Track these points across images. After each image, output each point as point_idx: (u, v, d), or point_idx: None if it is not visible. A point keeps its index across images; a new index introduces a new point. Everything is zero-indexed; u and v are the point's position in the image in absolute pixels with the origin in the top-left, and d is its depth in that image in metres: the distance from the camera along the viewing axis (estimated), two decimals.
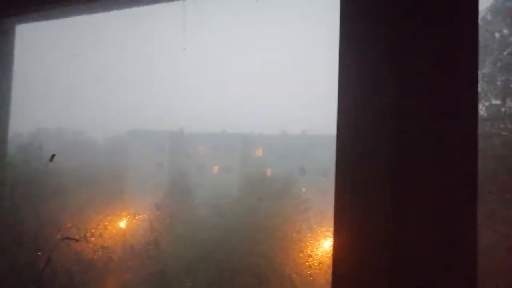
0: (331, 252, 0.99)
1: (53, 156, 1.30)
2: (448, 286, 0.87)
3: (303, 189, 2.27)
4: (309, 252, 1.23)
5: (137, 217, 1.66)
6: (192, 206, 2.10)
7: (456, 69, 0.91)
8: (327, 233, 1.24)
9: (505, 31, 1.37)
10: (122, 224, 1.62)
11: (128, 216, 1.64)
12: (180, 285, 1.56)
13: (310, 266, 1.21)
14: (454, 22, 0.91)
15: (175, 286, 1.56)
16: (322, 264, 1.21)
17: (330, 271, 0.97)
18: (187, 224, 1.80)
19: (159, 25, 1.60)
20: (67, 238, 1.21)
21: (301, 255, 1.25)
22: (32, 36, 1.67)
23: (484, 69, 1.34)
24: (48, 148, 2.01)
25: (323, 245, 1.25)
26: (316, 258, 1.21)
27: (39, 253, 1.41)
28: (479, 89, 1.02)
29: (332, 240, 0.97)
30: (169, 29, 1.58)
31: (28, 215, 1.60)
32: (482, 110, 1.36)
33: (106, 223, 1.54)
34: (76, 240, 1.39)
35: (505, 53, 1.36)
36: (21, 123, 1.84)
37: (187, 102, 2.21)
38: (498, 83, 1.37)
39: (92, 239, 1.48)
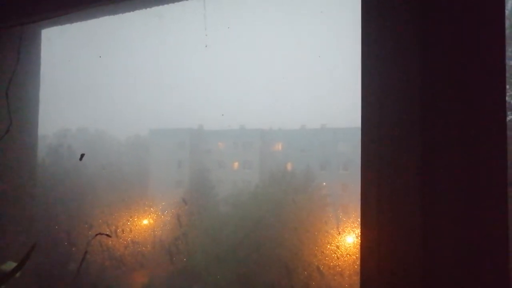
0: (359, 243, 0.99)
1: (82, 155, 1.33)
2: (479, 280, 0.87)
3: (324, 183, 2.28)
4: (337, 244, 1.24)
5: (165, 213, 1.70)
6: (216, 202, 2.12)
7: (482, 58, 0.90)
8: (354, 225, 1.25)
9: None
10: (151, 219, 1.66)
11: (157, 212, 1.68)
12: (209, 278, 1.59)
13: (338, 257, 1.22)
14: (480, 11, 0.90)
15: (204, 279, 1.59)
16: (350, 255, 1.21)
17: (358, 262, 0.98)
18: (212, 219, 1.82)
19: (180, 24, 1.62)
20: (100, 233, 1.25)
21: (328, 246, 1.26)
22: (57, 39, 1.71)
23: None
24: (73, 148, 2.07)
25: (351, 237, 1.26)
26: (343, 249, 1.22)
27: (73, 248, 1.46)
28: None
29: (360, 231, 0.97)
30: (190, 28, 1.60)
31: (60, 213, 1.65)
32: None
33: (135, 219, 1.58)
34: (109, 236, 1.43)
35: None
36: (46, 125, 1.89)
37: (206, 99, 2.23)
38: None
39: (123, 234, 1.52)
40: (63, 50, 1.83)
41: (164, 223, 1.69)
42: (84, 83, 2.08)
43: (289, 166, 2.66)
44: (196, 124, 2.94)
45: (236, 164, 2.85)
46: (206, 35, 1.20)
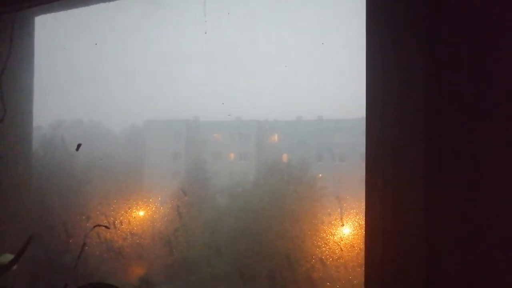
0: (362, 234, 0.98)
1: (79, 145, 1.31)
2: (482, 272, 0.86)
3: (320, 174, 2.27)
4: (340, 235, 1.23)
5: (163, 204, 1.68)
6: (213, 193, 2.11)
7: (490, 53, 0.88)
8: (358, 217, 1.24)
9: None
10: (149, 211, 1.65)
11: (155, 203, 1.66)
12: (210, 270, 1.58)
13: (341, 249, 1.22)
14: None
15: (205, 271, 1.58)
16: (354, 247, 1.21)
17: (362, 253, 0.97)
18: (211, 211, 1.81)
19: (178, 10, 1.59)
20: (98, 225, 1.23)
21: (331, 237, 1.25)
22: (51, 27, 1.67)
23: None
24: (68, 139, 2.04)
25: (354, 228, 1.25)
26: (347, 241, 1.21)
27: (71, 240, 1.44)
28: None
29: (364, 223, 0.96)
30: (188, 14, 1.57)
31: (56, 205, 1.63)
32: None
33: (133, 210, 1.57)
34: (107, 227, 1.41)
35: None
36: (41, 116, 1.86)
37: (202, 90, 2.21)
38: None
39: (121, 226, 1.50)
40: (57, 38, 1.79)
41: (162, 214, 1.68)
42: (79, 73, 2.05)
43: (285, 158, 2.65)
44: (191, 115, 2.91)
45: (232, 155, 2.83)
46: (205, 21, 1.17)
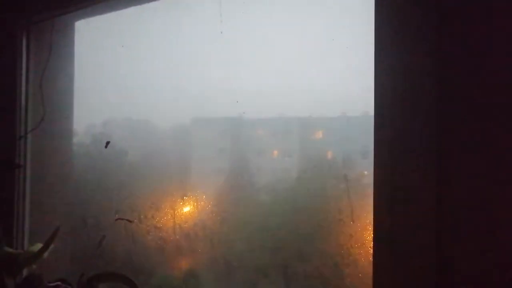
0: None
1: (107, 143, 1.36)
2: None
3: (366, 172, 2.21)
4: (350, 233, 1.22)
5: (206, 200, 1.71)
6: (257, 189, 2.12)
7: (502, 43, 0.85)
8: None
9: None
10: (193, 206, 1.68)
11: (198, 199, 1.69)
12: (252, 264, 1.58)
13: (352, 246, 1.20)
14: None
15: (245, 266, 1.59)
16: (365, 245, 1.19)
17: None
18: (255, 207, 1.82)
19: (207, 10, 1.61)
20: (120, 218, 1.27)
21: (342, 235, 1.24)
22: (92, 31, 1.74)
23: None
24: (117, 138, 2.13)
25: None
26: (359, 239, 1.20)
27: (104, 235, 1.50)
28: None
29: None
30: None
31: (99, 201, 1.70)
32: None
33: (180, 205, 1.61)
34: (130, 221, 1.45)
35: None
36: (93, 115, 1.95)
37: (246, 87, 2.23)
38: None
39: (166, 221, 1.55)
40: (104, 41, 1.87)
41: (207, 210, 1.71)
42: (122, 74, 2.13)
43: (329, 155, 2.60)
44: (236, 113, 2.94)
45: (275, 153, 2.82)
46: (221, 21, 1.18)
